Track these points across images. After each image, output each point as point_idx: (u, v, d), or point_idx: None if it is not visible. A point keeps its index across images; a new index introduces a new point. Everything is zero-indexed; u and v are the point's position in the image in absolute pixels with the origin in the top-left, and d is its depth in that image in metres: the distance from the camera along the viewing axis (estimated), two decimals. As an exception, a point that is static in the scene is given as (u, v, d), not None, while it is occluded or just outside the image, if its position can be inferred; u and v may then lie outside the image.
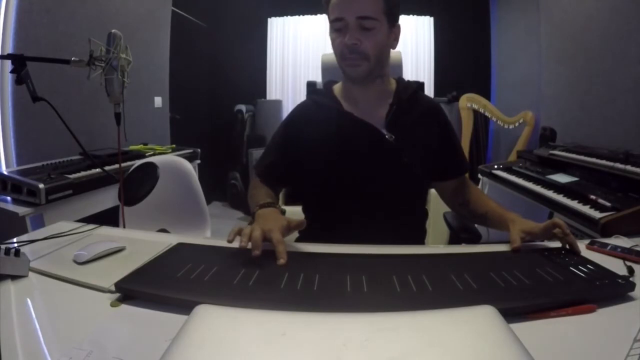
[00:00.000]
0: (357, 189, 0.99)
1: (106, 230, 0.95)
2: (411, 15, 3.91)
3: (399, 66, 1.31)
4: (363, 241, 0.84)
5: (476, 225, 1.26)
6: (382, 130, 0.99)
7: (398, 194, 1.00)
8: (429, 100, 1.10)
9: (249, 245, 0.71)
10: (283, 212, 0.90)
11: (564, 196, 1.71)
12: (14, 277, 0.67)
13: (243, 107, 4.01)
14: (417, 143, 1.01)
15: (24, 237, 0.87)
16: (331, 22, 0.95)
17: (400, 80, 1.09)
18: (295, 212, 1.20)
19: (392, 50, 1.02)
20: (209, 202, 3.00)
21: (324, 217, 1.03)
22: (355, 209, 0.99)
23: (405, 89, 1.05)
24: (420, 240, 1.09)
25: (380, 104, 1.02)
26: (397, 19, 0.98)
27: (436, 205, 1.30)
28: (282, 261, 0.71)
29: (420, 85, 1.10)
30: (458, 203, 1.11)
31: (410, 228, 1.06)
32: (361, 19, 0.91)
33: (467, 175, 1.12)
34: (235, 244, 0.73)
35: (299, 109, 1.10)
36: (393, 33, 0.98)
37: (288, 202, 2.25)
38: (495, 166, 2.40)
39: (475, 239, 1.16)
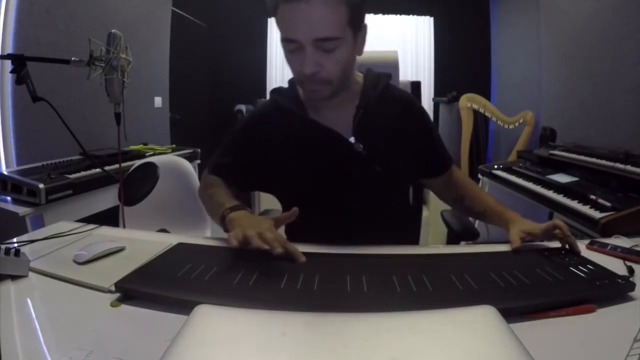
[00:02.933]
0: (329, 200, 0.92)
1: (106, 230, 0.94)
2: (411, 15, 3.91)
3: (395, 66, 1.24)
4: (349, 245, 0.82)
5: (476, 224, 1.26)
6: (349, 139, 0.90)
7: (375, 200, 0.93)
8: (401, 95, 0.98)
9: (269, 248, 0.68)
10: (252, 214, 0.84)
11: (564, 196, 1.71)
12: (14, 277, 0.67)
13: (243, 107, 4.01)
14: (390, 146, 0.92)
15: (24, 237, 0.87)
16: (282, 40, 0.80)
17: (368, 75, 0.96)
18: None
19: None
20: (209, 202, 3.00)
21: (301, 224, 0.99)
22: (332, 218, 0.92)
23: (374, 86, 0.93)
24: (413, 234, 1.05)
25: (346, 108, 0.91)
26: (362, 21, 0.83)
27: (436, 204, 1.30)
28: (303, 259, 0.69)
29: (387, 78, 0.97)
30: (452, 199, 1.05)
31: (397, 226, 0.99)
32: (320, 41, 0.75)
33: (456, 169, 1.05)
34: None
35: (261, 113, 0.99)
36: (359, 39, 0.84)
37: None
38: (495, 166, 2.40)
39: (473, 237, 1.16)
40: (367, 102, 0.91)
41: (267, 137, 0.93)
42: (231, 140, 0.99)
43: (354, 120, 0.90)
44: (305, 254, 0.78)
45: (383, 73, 0.97)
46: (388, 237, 0.87)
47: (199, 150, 2.83)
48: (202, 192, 0.97)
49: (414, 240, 1.06)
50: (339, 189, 0.91)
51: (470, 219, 1.29)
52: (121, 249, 0.80)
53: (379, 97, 0.92)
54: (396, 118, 0.94)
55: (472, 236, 1.15)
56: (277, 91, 0.99)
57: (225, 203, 0.84)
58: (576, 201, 1.62)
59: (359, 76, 0.96)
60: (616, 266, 0.72)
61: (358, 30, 0.82)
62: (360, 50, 0.86)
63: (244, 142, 0.96)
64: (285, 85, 0.99)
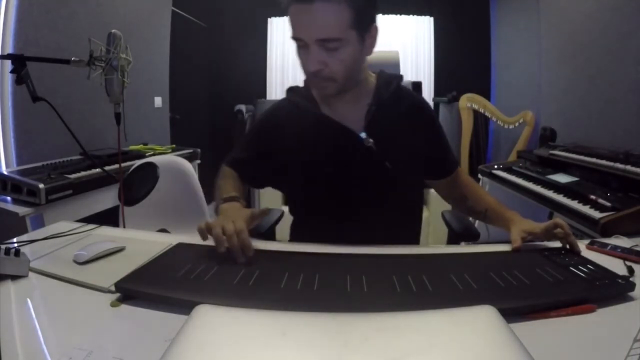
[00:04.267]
0: (339, 194, 0.94)
1: (106, 230, 0.95)
2: (411, 15, 3.91)
3: (396, 66, 1.26)
4: (353, 242, 0.83)
5: (477, 224, 1.26)
6: (360, 134, 0.92)
7: (382, 197, 0.95)
8: (413, 97, 1.02)
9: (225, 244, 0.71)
10: (245, 207, 0.86)
11: (564, 196, 1.71)
12: (14, 277, 0.67)
13: (243, 107, 4.01)
14: (399, 144, 0.94)
15: (24, 237, 0.87)
16: (291, 38, 0.83)
17: (381, 75, 0.99)
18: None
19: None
20: (209, 202, 3.02)
21: (309, 220, 0.99)
22: (340, 213, 0.94)
23: (387, 86, 0.96)
24: (413, 235, 1.06)
25: (358, 105, 0.94)
26: (371, 23, 0.84)
27: (436, 205, 1.30)
28: (241, 260, 0.70)
29: (399, 79, 1.00)
30: (454, 198, 1.09)
31: (400, 225, 1.01)
32: (322, 41, 0.79)
33: (461, 170, 1.07)
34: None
35: (275, 110, 1.02)
36: (367, 41, 0.86)
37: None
38: (495, 166, 2.40)
39: (474, 237, 1.16)
40: (379, 100, 0.94)
41: (280, 131, 0.97)
42: (247, 135, 1.05)
43: (366, 117, 0.93)
44: (306, 254, 0.78)
45: (395, 74, 1.00)
46: (393, 234, 0.91)
47: (199, 150, 2.83)
48: (216, 182, 1.00)
49: (416, 239, 1.06)
50: (349, 183, 0.94)
51: (470, 219, 1.29)
52: (121, 249, 0.80)
53: (391, 97, 0.95)
54: (407, 118, 0.96)
55: (472, 237, 1.15)
56: (292, 90, 1.03)
57: (224, 194, 0.87)
58: (576, 201, 1.61)
59: (372, 76, 0.99)
60: (616, 266, 0.72)
61: (365, 32, 0.83)
62: (369, 52, 0.88)
63: (258, 138, 1.01)
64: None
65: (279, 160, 0.96)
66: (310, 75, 0.86)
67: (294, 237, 1.07)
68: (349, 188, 0.94)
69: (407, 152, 0.95)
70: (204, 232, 0.73)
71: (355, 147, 0.93)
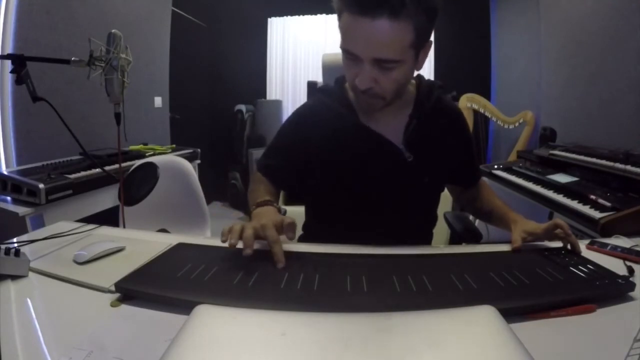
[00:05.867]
0: (369, 204, 0.92)
1: (106, 230, 0.94)
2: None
3: None
4: (368, 244, 0.83)
5: (477, 224, 1.26)
6: (400, 147, 0.90)
7: (412, 208, 0.96)
8: (452, 110, 1.00)
9: (240, 244, 0.67)
10: (280, 211, 0.84)
11: (564, 196, 1.71)
12: (14, 277, 0.67)
13: (243, 107, 4.01)
14: (437, 158, 0.94)
15: (24, 237, 0.87)
16: (341, 47, 0.78)
17: (421, 82, 0.96)
18: (295, 212, 1.20)
19: None
20: (209, 202, 3.01)
21: (330, 224, 0.98)
22: (365, 219, 0.93)
23: (428, 95, 0.93)
24: (429, 236, 1.07)
25: (398, 116, 0.92)
26: (427, 40, 0.80)
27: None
28: (280, 265, 0.68)
29: (440, 90, 0.96)
30: (465, 199, 1.10)
31: (419, 235, 1.03)
32: (379, 60, 0.75)
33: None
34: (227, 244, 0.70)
35: (308, 112, 0.98)
36: (421, 56, 0.82)
37: (288, 203, 2.25)
38: (495, 166, 2.40)
39: (477, 239, 1.16)
40: (420, 111, 0.91)
41: (314, 137, 0.92)
42: (278, 140, 0.99)
43: (406, 130, 0.91)
44: (305, 254, 0.78)
45: (435, 82, 0.97)
46: (411, 237, 0.91)
47: (199, 150, 2.83)
48: (249, 189, 0.98)
49: (429, 241, 1.08)
50: (381, 192, 0.92)
51: (471, 218, 1.30)
52: (121, 249, 0.80)
53: (431, 108, 0.92)
54: (444, 129, 0.95)
55: (475, 237, 1.16)
56: (324, 91, 0.98)
57: (257, 199, 0.84)
58: (576, 201, 1.61)
59: (412, 84, 0.96)
60: (616, 266, 0.72)
61: (421, 49, 0.80)
62: (420, 66, 0.84)
63: (291, 141, 0.96)
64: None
65: (310, 163, 0.93)
66: (357, 91, 0.82)
67: (306, 237, 1.06)
68: (380, 196, 0.92)
69: (443, 165, 0.96)
70: (226, 234, 0.69)
71: (394, 159, 0.90)
